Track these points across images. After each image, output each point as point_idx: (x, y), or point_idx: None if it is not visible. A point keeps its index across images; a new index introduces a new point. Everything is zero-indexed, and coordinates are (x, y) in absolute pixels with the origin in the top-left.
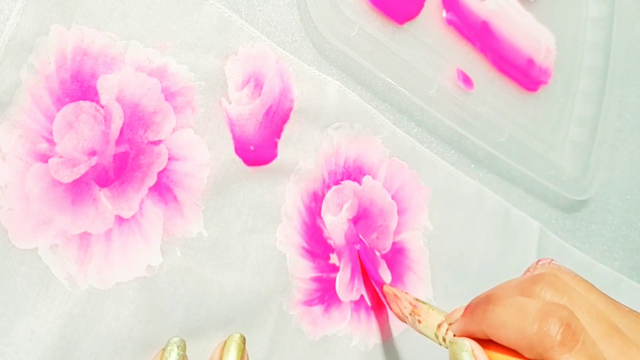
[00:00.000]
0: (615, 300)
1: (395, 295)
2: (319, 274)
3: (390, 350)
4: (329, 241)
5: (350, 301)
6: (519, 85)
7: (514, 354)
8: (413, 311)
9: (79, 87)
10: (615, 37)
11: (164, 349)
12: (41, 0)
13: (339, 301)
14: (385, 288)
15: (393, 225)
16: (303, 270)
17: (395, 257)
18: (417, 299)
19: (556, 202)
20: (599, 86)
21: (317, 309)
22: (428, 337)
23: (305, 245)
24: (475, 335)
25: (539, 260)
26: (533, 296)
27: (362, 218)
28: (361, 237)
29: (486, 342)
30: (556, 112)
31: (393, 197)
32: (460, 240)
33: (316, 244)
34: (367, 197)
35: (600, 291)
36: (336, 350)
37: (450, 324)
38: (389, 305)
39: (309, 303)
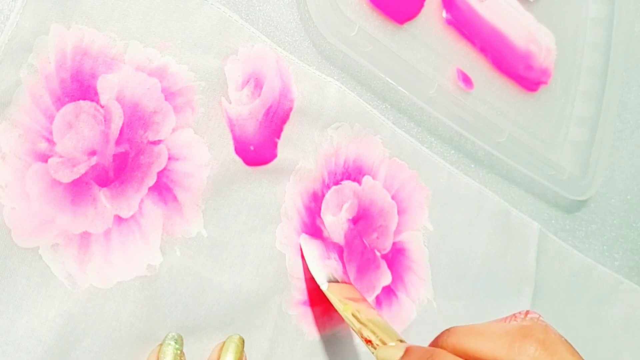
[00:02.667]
0: None
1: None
2: None
3: None
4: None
5: None
6: (519, 85)
7: None
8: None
9: (79, 87)
10: (615, 37)
11: (161, 344)
12: (41, 0)
13: None
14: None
15: (393, 226)
16: (302, 270)
17: (396, 257)
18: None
19: (556, 202)
20: (599, 86)
21: (317, 309)
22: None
23: None
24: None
25: (527, 312)
26: (522, 354)
27: (362, 218)
28: (364, 240)
29: None
30: (556, 112)
31: (393, 198)
32: (460, 241)
33: None
34: (367, 198)
35: (582, 357)
36: (336, 350)
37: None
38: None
39: (309, 303)
